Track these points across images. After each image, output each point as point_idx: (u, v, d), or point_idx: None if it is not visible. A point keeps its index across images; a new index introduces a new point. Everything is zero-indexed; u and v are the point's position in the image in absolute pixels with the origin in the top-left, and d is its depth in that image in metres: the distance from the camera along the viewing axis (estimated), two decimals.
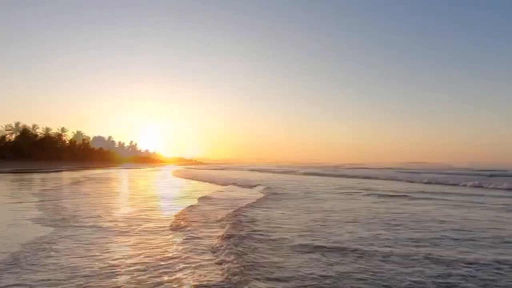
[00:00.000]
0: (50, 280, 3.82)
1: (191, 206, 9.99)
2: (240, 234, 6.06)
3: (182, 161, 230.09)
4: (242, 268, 4.23)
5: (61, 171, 42.70)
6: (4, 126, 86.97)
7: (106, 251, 5.02)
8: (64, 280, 3.82)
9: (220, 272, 4.09)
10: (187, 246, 5.32)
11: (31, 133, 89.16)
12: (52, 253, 4.89)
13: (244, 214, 8.41)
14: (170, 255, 4.82)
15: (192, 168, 68.15)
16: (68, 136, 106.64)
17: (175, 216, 8.16)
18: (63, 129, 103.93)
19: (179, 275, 4.01)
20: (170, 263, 4.43)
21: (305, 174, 38.34)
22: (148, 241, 5.68)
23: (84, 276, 3.93)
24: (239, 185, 19.41)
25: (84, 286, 3.67)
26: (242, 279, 3.86)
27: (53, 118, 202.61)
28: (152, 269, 4.21)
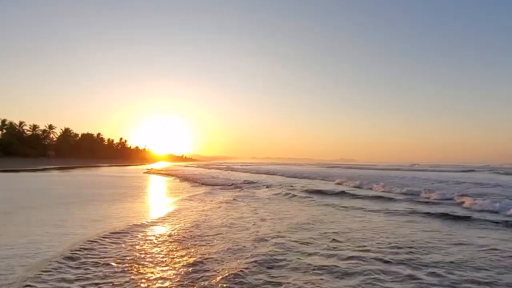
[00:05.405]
0: None
1: None
2: None
3: (172, 158, 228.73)
4: None
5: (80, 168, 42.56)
6: None
7: None
8: None
9: None
10: None
11: (19, 130, 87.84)
12: None
13: None
14: None
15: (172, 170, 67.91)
16: (56, 133, 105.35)
17: None
18: (50, 126, 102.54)
19: None
20: None
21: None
22: None
23: None
24: None
25: None
26: None
27: (43, 116, 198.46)
28: None
